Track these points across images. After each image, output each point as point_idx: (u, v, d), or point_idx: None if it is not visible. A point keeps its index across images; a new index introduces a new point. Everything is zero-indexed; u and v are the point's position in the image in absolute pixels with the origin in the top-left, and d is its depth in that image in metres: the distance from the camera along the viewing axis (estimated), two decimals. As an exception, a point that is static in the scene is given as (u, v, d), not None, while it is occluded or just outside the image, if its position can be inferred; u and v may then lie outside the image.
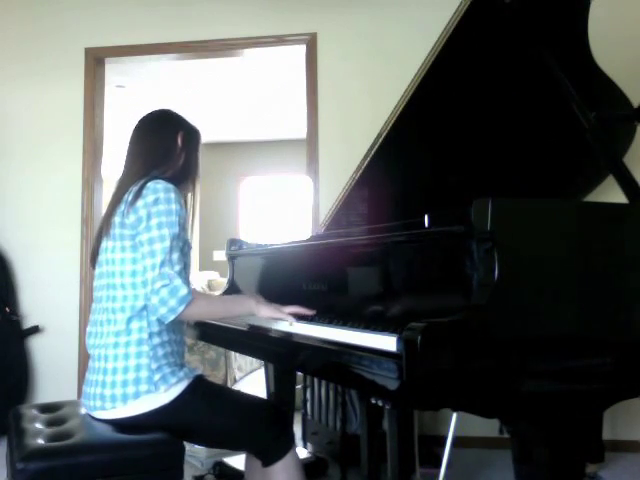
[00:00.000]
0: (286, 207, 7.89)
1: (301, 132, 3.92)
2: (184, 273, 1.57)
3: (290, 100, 5.88)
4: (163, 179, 1.62)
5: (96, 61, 3.66)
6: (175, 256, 1.55)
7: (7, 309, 3.50)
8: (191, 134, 1.80)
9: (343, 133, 3.36)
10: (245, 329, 1.89)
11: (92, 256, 1.75)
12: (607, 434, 2.95)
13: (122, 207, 1.61)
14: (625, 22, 3.09)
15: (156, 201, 1.56)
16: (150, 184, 1.59)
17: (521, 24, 1.77)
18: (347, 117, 3.36)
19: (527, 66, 1.86)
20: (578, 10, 1.93)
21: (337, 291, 1.72)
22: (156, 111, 1.83)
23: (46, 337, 3.59)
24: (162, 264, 1.53)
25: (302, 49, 3.47)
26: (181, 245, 1.59)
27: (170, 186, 1.60)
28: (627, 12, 3.10)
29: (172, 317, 1.53)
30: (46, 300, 3.59)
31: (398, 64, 3.16)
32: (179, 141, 1.75)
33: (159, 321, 1.59)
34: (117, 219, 1.61)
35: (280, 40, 3.46)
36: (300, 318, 1.66)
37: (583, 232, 1.36)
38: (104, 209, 3.83)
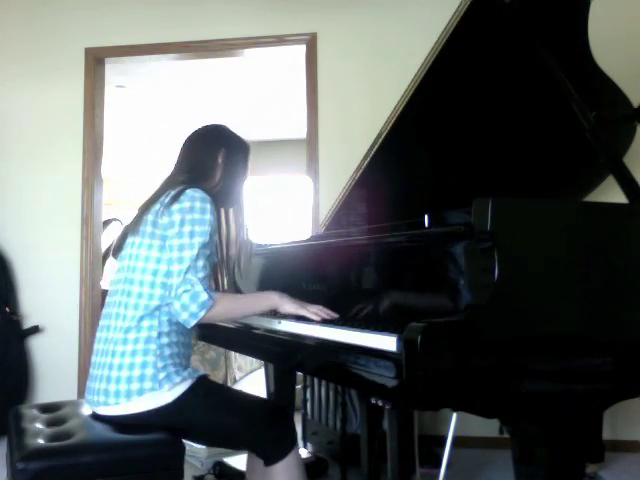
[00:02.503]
0: (286, 207, 7.88)
1: (301, 132, 3.91)
2: (207, 280, 1.59)
3: (290, 100, 5.88)
4: (202, 189, 1.64)
5: (96, 61, 3.66)
6: (200, 263, 1.57)
7: (7, 309, 3.50)
8: (235, 152, 1.82)
9: (343, 133, 3.36)
10: (245, 329, 1.89)
11: (115, 248, 1.75)
12: (607, 434, 2.95)
13: (157, 207, 1.63)
14: (625, 22, 3.09)
15: (192, 209, 1.59)
16: (189, 191, 1.62)
17: (521, 24, 1.77)
18: (347, 117, 3.36)
19: (527, 66, 1.86)
20: (578, 10, 1.93)
21: (337, 291, 1.72)
22: (208, 126, 1.87)
23: (46, 337, 3.59)
24: (187, 271, 1.55)
25: (302, 49, 3.47)
26: (207, 254, 1.61)
27: (207, 197, 1.63)
28: (627, 12, 3.10)
29: (194, 322, 1.56)
30: (46, 300, 3.59)
31: (398, 64, 3.15)
32: (219, 160, 1.78)
33: (170, 322, 1.60)
34: (150, 217, 1.63)
35: (280, 40, 3.46)
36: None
37: (583, 232, 1.36)
38: (104, 209, 3.85)
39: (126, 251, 1.68)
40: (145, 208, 1.67)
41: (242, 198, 1.87)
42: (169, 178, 1.76)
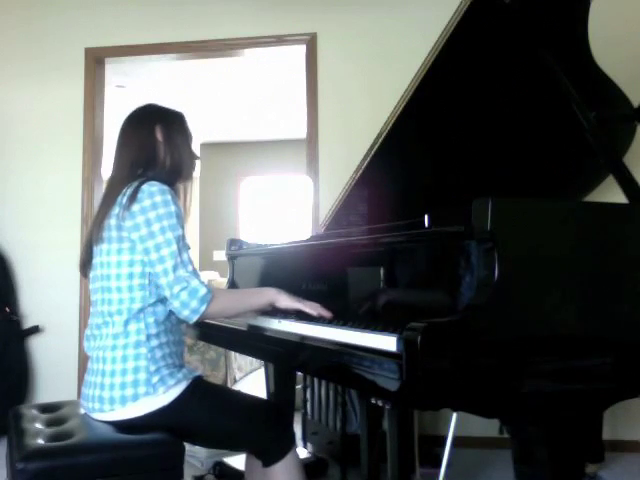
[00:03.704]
0: (286, 207, 7.88)
1: (301, 132, 3.92)
2: (197, 272, 1.57)
3: (290, 100, 5.88)
4: (157, 180, 1.60)
5: (96, 61, 3.66)
6: (185, 257, 1.56)
7: (7, 309, 3.50)
8: (170, 124, 1.73)
9: (343, 133, 3.36)
10: (245, 329, 1.89)
11: (83, 262, 1.70)
12: (607, 434, 2.95)
13: (117, 210, 1.58)
14: (625, 22, 3.09)
15: (154, 205, 1.54)
16: (145, 187, 1.56)
17: (521, 24, 1.77)
18: (347, 117, 3.37)
19: (527, 66, 1.86)
20: (578, 10, 1.93)
21: (337, 291, 1.72)
22: (134, 110, 1.78)
23: (46, 337, 3.59)
24: (175, 268, 1.53)
25: (302, 49, 3.47)
26: (187, 245, 1.59)
27: (165, 188, 1.58)
28: (627, 11, 3.10)
29: (196, 317, 1.54)
30: (46, 300, 3.59)
31: (398, 64, 3.16)
32: (158, 137, 1.70)
33: (157, 322, 1.59)
34: (113, 222, 1.59)
35: (280, 40, 3.46)
36: (310, 318, 1.64)
37: (583, 232, 1.36)
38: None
39: (96, 260, 1.64)
40: (104, 213, 1.61)
41: (191, 171, 1.78)
42: (114, 177, 1.68)
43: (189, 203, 1.81)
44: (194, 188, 7.50)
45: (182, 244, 1.56)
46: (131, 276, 1.58)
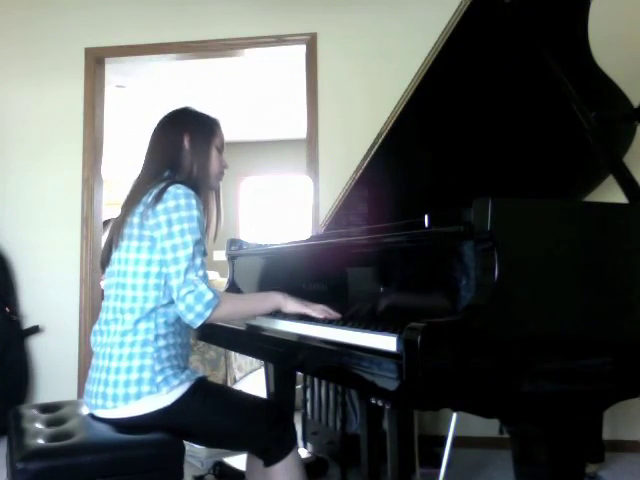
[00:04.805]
0: (286, 207, 7.88)
1: (301, 132, 3.92)
2: (207, 278, 1.58)
3: (290, 100, 5.88)
4: (183, 184, 1.61)
5: (96, 61, 3.66)
6: (198, 261, 1.56)
7: (7, 309, 3.50)
8: (199, 133, 1.74)
9: (343, 133, 3.36)
10: (245, 329, 1.89)
11: (103, 258, 1.71)
12: (607, 434, 2.94)
13: (141, 208, 1.60)
14: (625, 22, 3.09)
15: (177, 207, 1.55)
16: (171, 188, 1.58)
17: (521, 24, 1.77)
18: (347, 117, 3.37)
19: (527, 66, 1.86)
20: (578, 10, 1.93)
21: (337, 291, 1.72)
22: (168, 113, 1.81)
23: (46, 337, 3.59)
24: (186, 271, 1.53)
25: (302, 49, 3.47)
26: (202, 250, 1.60)
27: (190, 192, 1.59)
28: (627, 12, 3.10)
29: (200, 322, 1.54)
30: (46, 300, 3.59)
31: (398, 64, 3.16)
32: (186, 145, 1.72)
33: (166, 324, 1.60)
34: (135, 220, 1.60)
35: (280, 40, 3.46)
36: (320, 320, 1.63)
37: (583, 232, 1.36)
38: (104, 209, 3.84)
39: (114, 255, 1.65)
40: (127, 211, 1.62)
41: (217, 180, 1.80)
42: (141, 178, 1.70)
43: (220, 220, 1.85)
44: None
45: (197, 248, 1.57)
46: (147, 275, 1.59)
